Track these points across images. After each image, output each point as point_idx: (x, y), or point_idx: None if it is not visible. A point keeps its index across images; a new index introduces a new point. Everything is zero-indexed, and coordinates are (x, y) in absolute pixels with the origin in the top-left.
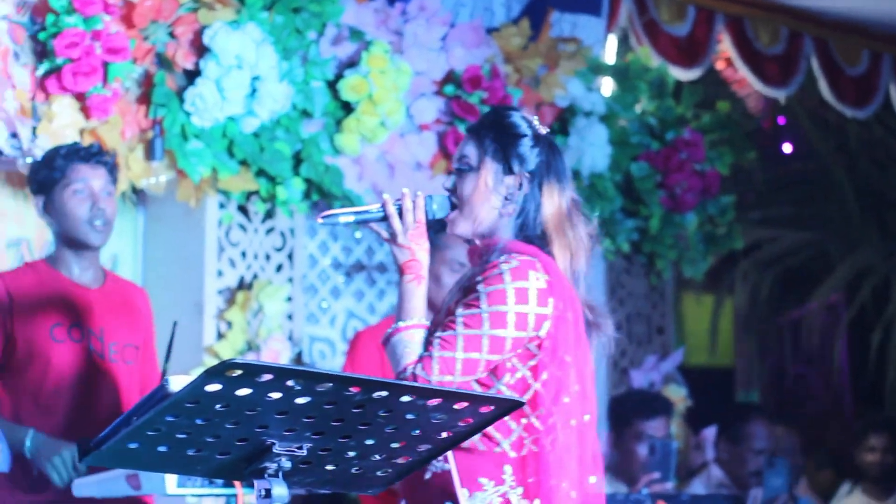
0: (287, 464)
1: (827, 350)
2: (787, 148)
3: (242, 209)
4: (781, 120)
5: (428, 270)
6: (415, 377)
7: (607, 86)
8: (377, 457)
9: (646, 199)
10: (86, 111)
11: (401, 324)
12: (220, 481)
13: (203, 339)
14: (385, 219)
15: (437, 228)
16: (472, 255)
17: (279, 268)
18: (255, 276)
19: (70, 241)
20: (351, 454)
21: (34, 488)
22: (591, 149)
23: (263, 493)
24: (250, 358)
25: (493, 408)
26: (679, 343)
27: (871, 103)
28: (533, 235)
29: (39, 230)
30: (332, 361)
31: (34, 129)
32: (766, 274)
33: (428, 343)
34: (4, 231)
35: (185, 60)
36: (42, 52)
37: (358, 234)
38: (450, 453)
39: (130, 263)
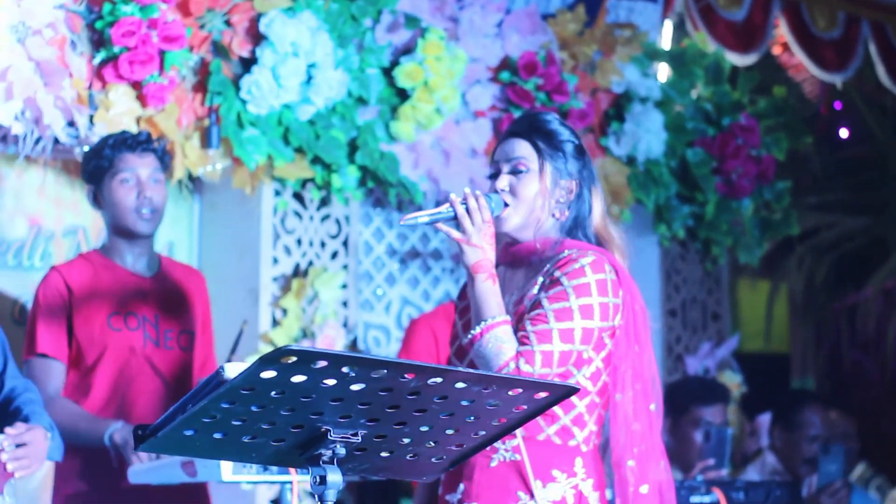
0: (342, 450)
1: (883, 336)
2: (843, 133)
3: (298, 196)
4: (838, 105)
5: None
6: (519, 371)
7: (663, 71)
8: (431, 443)
9: (701, 184)
10: (142, 99)
11: (490, 321)
12: (274, 468)
13: (258, 327)
14: (455, 218)
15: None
16: (520, 253)
17: (334, 255)
18: (311, 264)
19: (120, 230)
20: (405, 441)
21: (84, 477)
22: (647, 135)
23: (318, 479)
24: (305, 345)
25: (547, 394)
26: (734, 329)
27: None
28: (584, 237)
29: (95, 218)
30: (387, 348)
31: (91, 117)
32: (821, 260)
33: (522, 337)
34: (61, 219)
35: (240, 48)
36: (99, 40)
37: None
38: (521, 445)
39: (186, 251)
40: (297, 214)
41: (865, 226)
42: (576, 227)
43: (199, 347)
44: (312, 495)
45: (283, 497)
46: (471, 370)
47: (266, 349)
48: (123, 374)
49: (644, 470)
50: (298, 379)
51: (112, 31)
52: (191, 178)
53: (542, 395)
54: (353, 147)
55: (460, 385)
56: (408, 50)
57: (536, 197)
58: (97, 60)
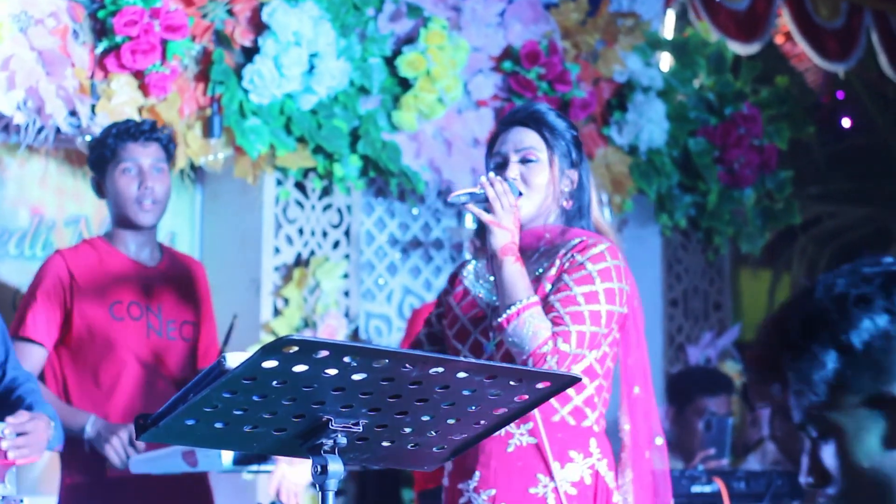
0: (343, 440)
1: None
2: (845, 122)
3: (300, 186)
4: (840, 94)
5: None
6: (557, 350)
7: (665, 61)
8: (433, 433)
9: (703, 174)
10: (144, 89)
11: (525, 300)
12: (276, 458)
13: (260, 316)
14: (483, 201)
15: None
16: (525, 240)
17: (336, 244)
18: (312, 253)
19: (122, 219)
20: (407, 430)
21: (85, 469)
22: (649, 124)
23: (319, 469)
24: (307, 334)
25: (549, 384)
26: (736, 319)
27: None
28: (586, 226)
29: (97, 207)
30: (389, 338)
31: (93, 107)
32: (824, 249)
33: (556, 318)
34: (63, 209)
35: (243, 38)
36: (101, 30)
37: (415, 211)
38: (540, 426)
39: (188, 240)
40: (299, 204)
41: (867, 215)
42: (579, 216)
43: (201, 338)
44: (314, 485)
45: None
46: (473, 360)
47: (267, 339)
48: (126, 363)
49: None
50: (300, 368)
51: (114, 21)
52: (193, 167)
53: (544, 384)
54: (354, 136)
55: (462, 375)
56: (410, 39)
57: (547, 186)
58: (99, 50)
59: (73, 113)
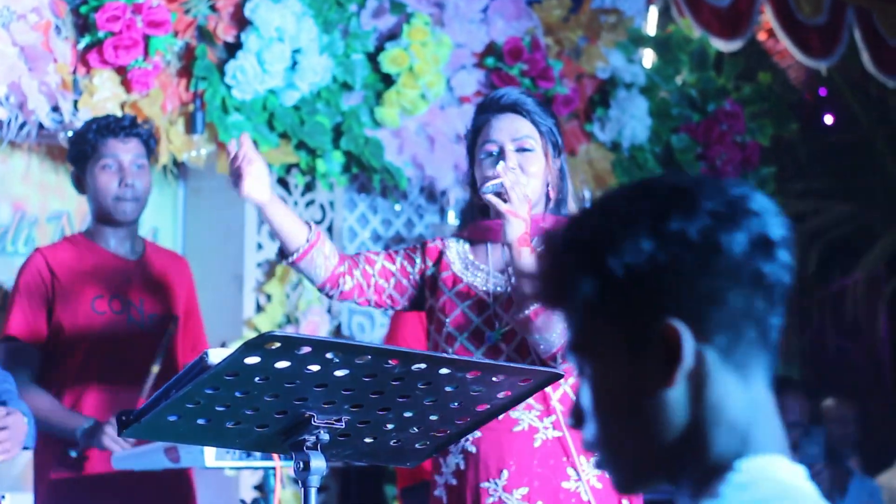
0: (325, 436)
1: (868, 323)
2: (828, 119)
3: (282, 182)
4: (823, 91)
5: None
6: None
7: (648, 57)
8: (415, 429)
9: (686, 170)
10: (127, 85)
11: None
12: (258, 454)
13: (243, 312)
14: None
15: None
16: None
17: None
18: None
19: (102, 215)
20: (389, 427)
21: (64, 464)
22: (632, 121)
23: (302, 465)
24: (289, 331)
25: (530, 380)
26: None
27: None
28: (567, 215)
29: (80, 203)
30: (371, 334)
31: (75, 102)
32: (806, 246)
33: None
34: (45, 204)
35: (225, 33)
36: (83, 25)
37: (398, 208)
38: (561, 420)
39: (170, 236)
40: (282, 200)
41: (850, 212)
42: (563, 205)
43: (184, 333)
44: (296, 481)
45: (267, 483)
46: (454, 356)
47: (250, 335)
48: (108, 357)
49: None
50: (282, 365)
51: (97, 16)
52: (175, 163)
53: (525, 381)
54: (337, 132)
55: (444, 371)
56: (393, 35)
57: (543, 175)
58: (82, 45)
59: (55, 108)
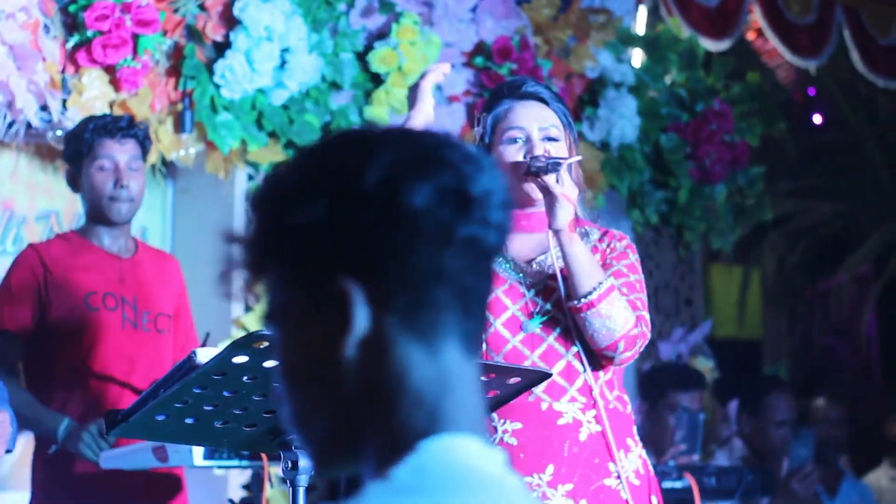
0: None
1: (856, 322)
2: (817, 119)
3: None
4: (812, 91)
5: None
6: (643, 335)
7: (637, 57)
8: None
9: (675, 170)
10: (115, 84)
11: (609, 279)
12: (246, 453)
13: (231, 312)
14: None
15: None
16: (542, 218)
17: None
18: None
19: (96, 215)
20: None
21: (54, 462)
22: (621, 120)
23: (290, 464)
24: None
25: (519, 379)
26: (707, 315)
27: None
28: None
29: (69, 202)
30: None
31: (64, 101)
32: (795, 245)
33: (630, 302)
34: (34, 204)
35: (214, 32)
36: (72, 24)
37: None
38: (603, 414)
39: (159, 235)
40: None
41: (839, 211)
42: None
43: (175, 332)
44: (284, 480)
45: (255, 483)
46: None
47: (238, 334)
48: (100, 354)
49: None
50: (271, 364)
51: (85, 15)
52: (164, 162)
53: (515, 380)
54: (326, 132)
55: None
56: (382, 35)
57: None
58: (70, 44)
59: (43, 107)
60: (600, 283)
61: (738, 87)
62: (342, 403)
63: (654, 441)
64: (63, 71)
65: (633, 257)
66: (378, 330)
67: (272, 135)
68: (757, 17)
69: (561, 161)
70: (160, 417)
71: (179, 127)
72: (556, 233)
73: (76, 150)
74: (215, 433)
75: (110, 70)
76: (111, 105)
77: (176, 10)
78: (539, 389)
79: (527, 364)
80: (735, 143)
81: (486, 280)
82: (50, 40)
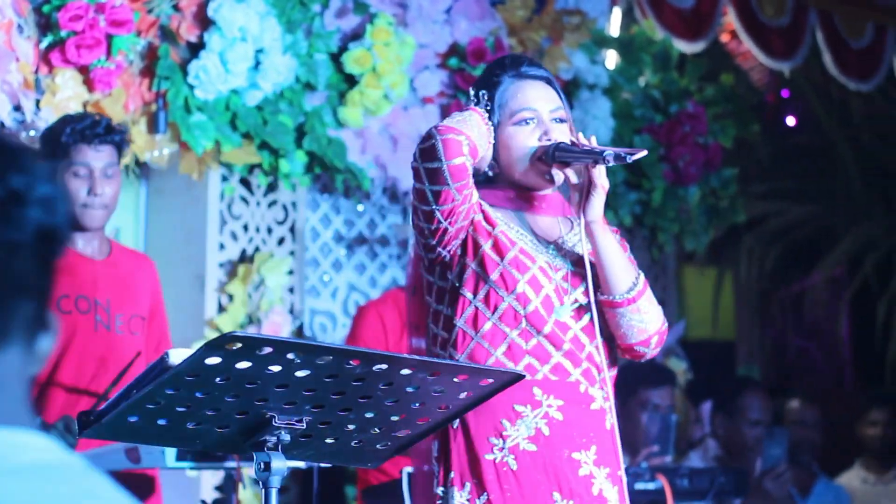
0: (286, 437)
1: (829, 324)
2: (790, 121)
3: (245, 182)
4: (785, 93)
5: None
6: (667, 330)
7: (611, 59)
8: (377, 430)
9: (648, 172)
10: (89, 84)
11: (641, 278)
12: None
13: (204, 313)
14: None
15: None
16: (554, 202)
17: (281, 241)
18: (257, 249)
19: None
20: (351, 427)
21: None
22: (595, 122)
23: (262, 466)
24: (251, 331)
25: (491, 381)
26: (680, 316)
27: (875, 76)
28: None
29: None
30: (333, 335)
31: (37, 101)
32: (768, 247)
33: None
34: None
35: (188, 33)
36: (46, 24)
37: (360, 208)
38: (612, 406)
39: (132, 236)
40: (244, 200)
41: (812, 213)
42: None
43: (149, 333)
44: (257, 482)
45: (228, 484)
46: (416, 357)
47: (212, 335)
48: (73, 357)
49: None
50: (243, 365)
51: (59, 15)
52: (137, 163)
53: (486, 381)
54: (300, 133)
55: (406, 371)
56: (356, 36)
57: None
58: (44, 44)
59: (17, 108)
60: (637, 279)
61: (712, 89)
62: None
63: (626, 440)
64: (37, 71)
65: (629, 252)
66: None
67: (246, 136)
68: (731, 19)
69: (631, 155)
70: (132, 419)
71: (153, 127)
72: (590, 223)
73: (51, 153)
74: (188, 434)
75: (84, 70)
76: (85, 105)
77: (150, 11)
78: (577, 372)
79: (562, 350)
80: (708, 144)
81: (48, 279)
82: (23, 40)
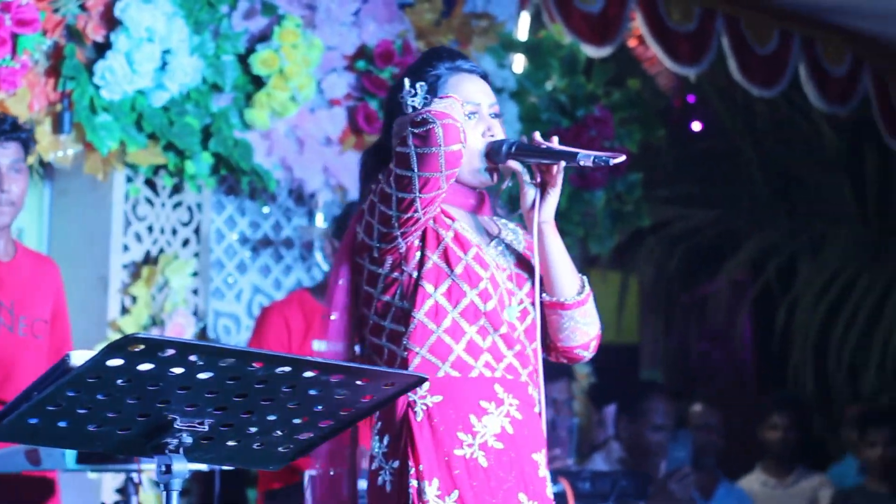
0: (188, 439)
1: (731, 328)
2: (696, 126)
3: (150, 183)
4: (692, 98)
5: None
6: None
7: (519, 62)
8: (279, 432)
9: None
10: None
11: (585, 280)
12: (120, 457)
13: (107, 314)
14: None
15: None
16: (488, 200)
17: (185, 242)
18: (161, 251)
19: None
20: (253, 430)
21: None
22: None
23: (164, 468)
24: (154, 333)
25: (393, 384)
26: None
27: (780, 83)
28: None
29: None
30: (238, 337)
31: None
32: (672, 251)
33: None
34: None
35: (95, 33)
36: None
37: (266, 210)
38: (544, 412)
39: (36, 237)
40: (149, 201)
41: (715, 218)
42: None
43: (52, 336)
44: (158, 484)
45: (129, 486)
46: (319, 359)
47: (115, 337)
48: None
49: None
50: (145, 367)
51: None
52: (42, 163)
53: (388, 385)
54: (206, 134)
55: (308, 374)
56: (264, 37)
57: None
58: None
59: None
60: (584, 281)
61: (619, 94)
62: None
63: None
64: None
65: None
66: None
67: (152, 136)
68: (638, 24)
69: (612, 158)
70: (33, 421)
71: (58, 128)
72: (542, 224)
73: None
74: (89, 436)
75: None
76: None
77: (56, 10)
78: (525, 373)
79: (513, 350)
80: (615, 149)
81: None
82: None
